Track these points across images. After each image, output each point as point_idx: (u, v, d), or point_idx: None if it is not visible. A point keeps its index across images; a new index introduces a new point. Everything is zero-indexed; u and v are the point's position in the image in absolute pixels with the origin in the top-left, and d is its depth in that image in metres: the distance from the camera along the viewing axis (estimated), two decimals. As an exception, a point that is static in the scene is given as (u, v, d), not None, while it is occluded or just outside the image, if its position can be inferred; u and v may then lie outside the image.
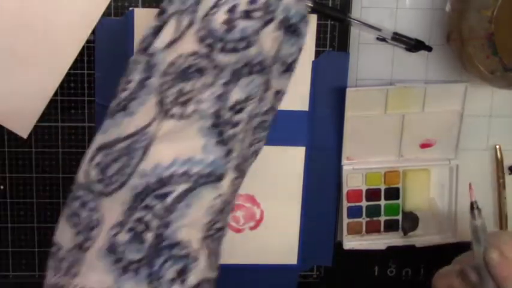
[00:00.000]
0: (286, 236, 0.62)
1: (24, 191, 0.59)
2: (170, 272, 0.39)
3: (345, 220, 0.61)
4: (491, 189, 0.64)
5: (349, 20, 0.57)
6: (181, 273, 0.39)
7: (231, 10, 0.41)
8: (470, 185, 0.52)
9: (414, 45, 0.58)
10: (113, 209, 0.39)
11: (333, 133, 0.60)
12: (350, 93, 0.58)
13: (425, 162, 0.62)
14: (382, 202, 0.62)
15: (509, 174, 0.64)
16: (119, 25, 0.57)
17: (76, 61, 0.57)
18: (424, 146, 0.62)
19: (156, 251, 0.38)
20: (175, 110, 0.40)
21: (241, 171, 0.43)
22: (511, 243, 0.50)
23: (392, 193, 0.62)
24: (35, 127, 0.58)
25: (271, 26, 0.42)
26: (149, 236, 0.38)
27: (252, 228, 0.62)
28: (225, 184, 0.41)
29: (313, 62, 0.59)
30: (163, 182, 0.39)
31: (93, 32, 0.56)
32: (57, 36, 0.56)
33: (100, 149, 0.41)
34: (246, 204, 0.61)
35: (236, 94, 0.41)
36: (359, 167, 0.61)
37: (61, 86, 0.57)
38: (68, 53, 0.56)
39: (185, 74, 0.41)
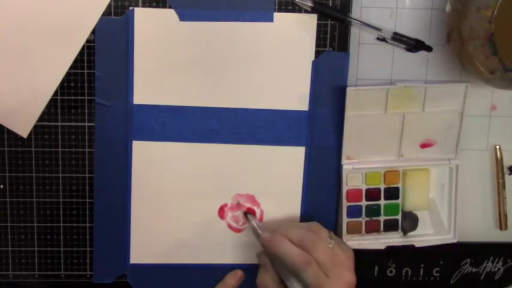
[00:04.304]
0: (286, 236, 0.62)
1: (24, 190, 0.59)
2: None
3: (345, 220, 0.61)
4: (491, 189, 0.64)
5: (349, 20, 0.57)
6: None
7: None
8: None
9: (414, 45, 0.58)
10: None
11: (333, 133, 0.60)
12: (350, 92, 0.58)
13: (425, 162, 0.62)
14: (382, 202, 0.62)
15: (509, 174, 0.64)
16: (119, 25, 0.57)
17: (76, 61, 0.57)
18: (424, 146, 0.62)
19: None
20: None
21: None
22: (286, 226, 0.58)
23: (392, 193, 0.62)
24: (35, 127, 0.58)
25: None
26: None
27: (252, 228, 0.62)
28: None
29: (313, 62, 0.59)
30: None
31: (93, 32, 0.56)
32: (57, 36, 0.56)
33: None
34: (246, 204, 0.61)
35: None
36: (359, 166, 0.61)
37: (61, 85, 0.57)
38: (68, 53, 0.56)
39: None
